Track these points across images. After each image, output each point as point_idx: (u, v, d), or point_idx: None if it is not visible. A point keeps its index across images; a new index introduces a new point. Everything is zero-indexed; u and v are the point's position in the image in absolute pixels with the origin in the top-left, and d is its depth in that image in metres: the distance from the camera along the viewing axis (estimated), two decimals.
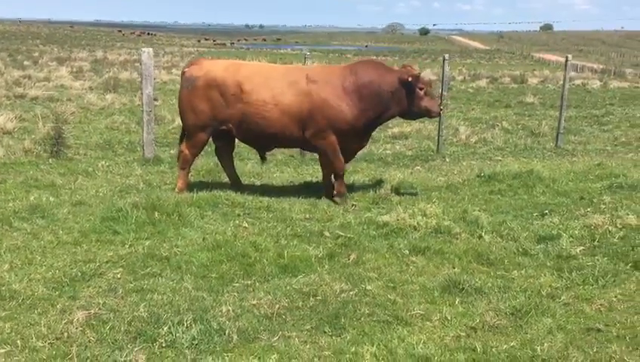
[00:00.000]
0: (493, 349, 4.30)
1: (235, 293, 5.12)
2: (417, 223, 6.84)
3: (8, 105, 16.99)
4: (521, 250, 6.27)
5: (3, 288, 5.04)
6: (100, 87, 22.65)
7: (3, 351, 4.13)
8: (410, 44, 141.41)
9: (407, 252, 6.17)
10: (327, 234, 6.68)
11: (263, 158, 8.72)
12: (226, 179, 8.91)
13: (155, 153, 10.72)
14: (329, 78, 7.96)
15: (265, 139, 8.11)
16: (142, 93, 10.53)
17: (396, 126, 15.24)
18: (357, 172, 10.21)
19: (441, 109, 8.47)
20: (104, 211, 7.07)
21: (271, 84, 7.88)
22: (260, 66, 9.01)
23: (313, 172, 10.20)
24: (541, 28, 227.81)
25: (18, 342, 4.24)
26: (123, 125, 14.55)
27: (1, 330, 4.38)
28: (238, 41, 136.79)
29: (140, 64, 10.48)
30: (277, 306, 4.87)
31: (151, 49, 10.68)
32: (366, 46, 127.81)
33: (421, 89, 8.04)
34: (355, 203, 8.02)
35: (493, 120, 17.67)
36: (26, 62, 35.96)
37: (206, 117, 8.00)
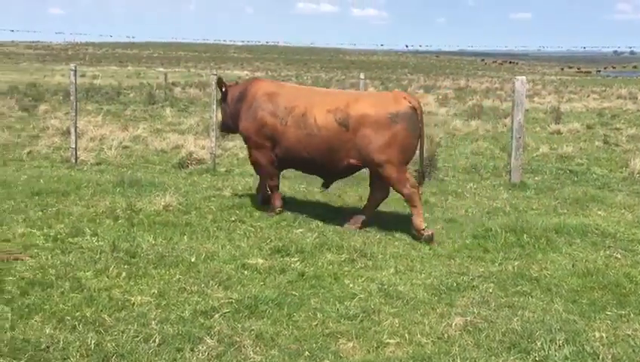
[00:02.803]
0: None
1: (608, 321, 5.10)
2: None
3: None
4: None
5: (391, 289, 5.73)
6: (464, 114, 23.54)
7: (394, 341, 4.73)
8: None
9: None
10: None
11: None
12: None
13: (521, 178, 10.90)
14: None
15: None
16: (512, 120, 10.81)
17: None
18: None
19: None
20: (474, 230, 7.54)
21: None
22: None
23: None
24: None
25: (406, 335, 4.82)
26: (487, 150, 15.01)
27: (391, 324, 5.01)
28: (605, 68, 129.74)
29: (513, 92, 10.78)
30: None
31: (524, 77, 10.93)
32: None
33: None
34: None
35: None
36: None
37: None
